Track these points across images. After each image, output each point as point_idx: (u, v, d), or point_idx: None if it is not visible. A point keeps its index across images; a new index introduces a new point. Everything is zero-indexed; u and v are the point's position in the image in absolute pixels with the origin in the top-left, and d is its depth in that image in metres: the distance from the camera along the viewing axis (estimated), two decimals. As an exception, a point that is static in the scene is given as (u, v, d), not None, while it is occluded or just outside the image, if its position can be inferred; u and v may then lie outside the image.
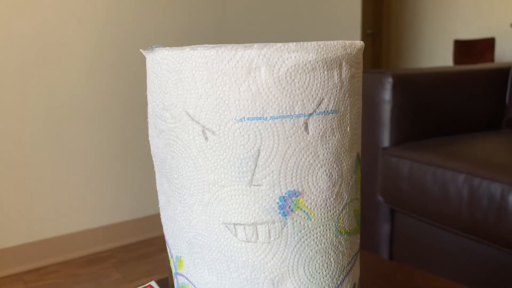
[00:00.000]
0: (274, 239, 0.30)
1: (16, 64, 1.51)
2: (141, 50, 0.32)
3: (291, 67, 0.28)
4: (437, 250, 1.14)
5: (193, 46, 0.30)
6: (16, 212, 1.55)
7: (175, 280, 0.37)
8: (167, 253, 0.42)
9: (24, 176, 1.56)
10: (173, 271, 0.37)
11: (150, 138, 0.35)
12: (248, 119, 0.29)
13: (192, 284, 0.34)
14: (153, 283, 0.52)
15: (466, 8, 3.92)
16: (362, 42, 0.33)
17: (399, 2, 4.55)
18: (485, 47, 3.40)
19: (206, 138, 0.30)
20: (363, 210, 1.35)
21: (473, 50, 3.43)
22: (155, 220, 1.85)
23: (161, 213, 0.36)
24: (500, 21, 3.70)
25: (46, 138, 1.58)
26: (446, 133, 1.35)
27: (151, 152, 0.35)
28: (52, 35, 1.56)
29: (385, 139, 1.25)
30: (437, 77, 1.31)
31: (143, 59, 1.74)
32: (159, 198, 0.36)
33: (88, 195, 1.69)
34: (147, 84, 0.33)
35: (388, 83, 1.22)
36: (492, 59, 3.39)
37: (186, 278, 0.35)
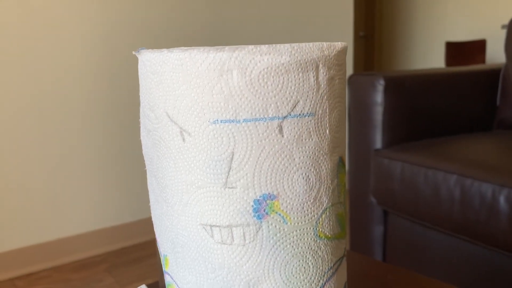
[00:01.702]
0: (249, 242, 0.30)
1: (13, 66, 1.50)
2: (133, 52, 0.33)
3: (263, 69, 0.28)
4: (430, 251, 1.14)
5: (172, 48, 0.30)
6: (7, 217, 1.54)
7: (164, 278, 0.38)
8: (158, 253, 0.43)
9: (16, 181, 1.55)
10: (163, 269, 0.37)
11: (141, 138, 0.35)
12: (221, 122, 0.29)
13: (175, 283, 0.35)
14: (143, 287, 0.52)
15: (458, 10, 3.93)
16: (343, 44, 0.33)
17: (391, 5, 4.57)
18: (476, 48, 3.42)
19: (183, 139, 0.30)
20: (356, 212, 1.35)
21: (465, 51, 3.44)
22: (147, 224, 1.84)
23: (151, 212, 0.37)
24: (491, 22, 3.71)
25: (39, 143, 1.58)
26: (438, 135, 1.35)
27: (143, 152, 0.36)
28: (48, 34, 1.56)
29: (377, 141, 1.25)
30: (429, 79, 1.32)
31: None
32: (149, 196, 0.37)
33: (80, 200, 1.68)
34: (139, 85, 0.35)
35: (380, 85, 1.22)
36: (483, 61, 3.40)
37: (171, 277, 0.35)
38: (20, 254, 1.57)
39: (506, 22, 3.62)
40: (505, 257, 0.97)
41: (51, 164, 1.61)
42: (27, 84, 1.54)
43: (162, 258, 0.37)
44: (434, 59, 4.21)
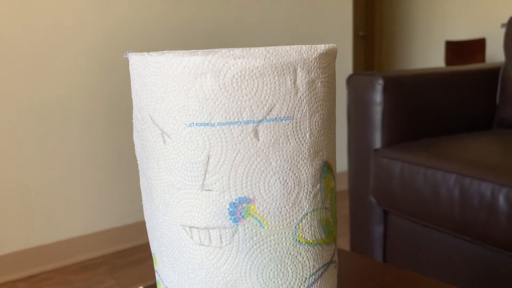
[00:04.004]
0: (226, 245, 0.30)
1: (14, 69, 1.50)
2: (124, 55, 0.33)
3: (237, 73, 0.28)
4: (430, 251, 1.14)
5: (153, 52, 0.30)
6: (8, 220, 1.55)
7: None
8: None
9: (16, 183, 1.55)
10: (154, 267, 0.39)
11: (133, 138, 0.36)
12: (197, 125, 0.29)
13: (162, 281, 0.36)
14: None
15: (457, 9, 3.92)
16: (329, 46, 0.33)
17: (390, 4, 4.55)
18: (476, 47, 3.40)
19: (164, 142, 0.31)
20: (356, 212, 1.34)
21: (465, 50, 3.43)
22: (149, 226, 1.85)
23: (143, 211, 0.38)
24: (490, 21, 3.70)
25: (37, 144, 1.58)
26: (437, 134, 1.35)
27: (135, 152, 0.37)
28: (48, 36, 1.56)
29: (377, 141, 1.25)
30: (428, 78, 1.31)
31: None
32: (142, 196, 0.38)
33: (81, 202, 1.69)
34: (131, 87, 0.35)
35: (379, 85, 1.22)
36: (483, 59, 3.39)
37: (158, 275, 0.36)
38: (22, 256, 1.58)
39: (506, 21, 3.60)
40: (505, 257, 0.97)
41: (51, 166, 1.61)
42: (27, 86, 1.55)
43: (153, 256, 0.37)
44: (434, 58, 4.19)
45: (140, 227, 1.83)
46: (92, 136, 1.69)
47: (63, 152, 1.63)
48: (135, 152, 0.37)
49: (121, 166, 1.77)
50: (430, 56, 4.22)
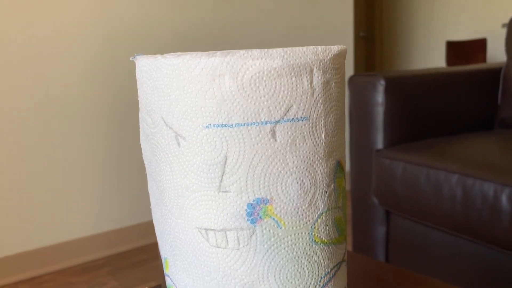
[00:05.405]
0: (243, 246, 0.30)
1: (15, 71, 1.50)
2: (131, 58, 0.33)
3: (255, 74, 0.28)
4: (433, 251, 1.14)
5: (166, 54, 0.30)
6: (10, 221, 1.55)
7: (166, 281, 0.38)
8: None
9: (18, 184, 1.55)
10: (164, 271, 0.38)
11: (141, 142, 0.36)
12: (214, 126, 0.29)
13: (175, 285, 0.35)
14: None
15: (458, 9, 3.93)
16: (341, 47, 0.33)
17: (391, 5, 4.56)
18: (477, 47, 3.41)
19: (178, 144, 0.30)
20: (358, 213, 1.34)
21: (466, 51, 3.43)
22: (149, 227, 1.85)
23: (152, 215, 0.38)
24: (491, 21, 3.70)
25: (39, 146, 1.58)
26: (439, 134, 1.35)
27: (143, 156, 0.37)
28: (50, 38, 1.56)
29: (379, 141, 1.25)
30: (430, 79, 1.31)
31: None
32: (150, 199, 0.37)
33: (82, 203, 1.68)
34: (138, 90, 0.34)
35: (381, 85, 1.22)
36: (484, 60, 3.39)
37: (170, 279, 0.36)
38: (24, 258, 1.58)
39: (507, 21, 3.61)
40: (508, 257, 0.97)
41: (53, 168, 1.61)
42: (28, 88, 1.54)
43: (163, 260, 0.37)
44: (435, 59, 4.20)
45: (141, 229, 1.83)
46: (93, 137, 1.69)
47: (64, 154, 1.63)
48: (143, 156, 0.36)
49: (122, 167, 1.76)
50: (431, 57, 4.23)
